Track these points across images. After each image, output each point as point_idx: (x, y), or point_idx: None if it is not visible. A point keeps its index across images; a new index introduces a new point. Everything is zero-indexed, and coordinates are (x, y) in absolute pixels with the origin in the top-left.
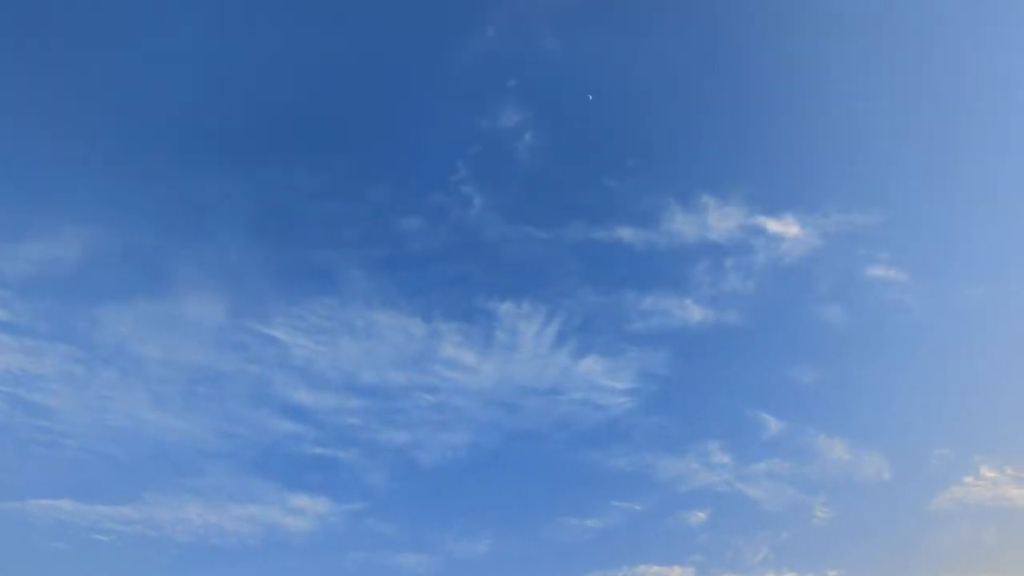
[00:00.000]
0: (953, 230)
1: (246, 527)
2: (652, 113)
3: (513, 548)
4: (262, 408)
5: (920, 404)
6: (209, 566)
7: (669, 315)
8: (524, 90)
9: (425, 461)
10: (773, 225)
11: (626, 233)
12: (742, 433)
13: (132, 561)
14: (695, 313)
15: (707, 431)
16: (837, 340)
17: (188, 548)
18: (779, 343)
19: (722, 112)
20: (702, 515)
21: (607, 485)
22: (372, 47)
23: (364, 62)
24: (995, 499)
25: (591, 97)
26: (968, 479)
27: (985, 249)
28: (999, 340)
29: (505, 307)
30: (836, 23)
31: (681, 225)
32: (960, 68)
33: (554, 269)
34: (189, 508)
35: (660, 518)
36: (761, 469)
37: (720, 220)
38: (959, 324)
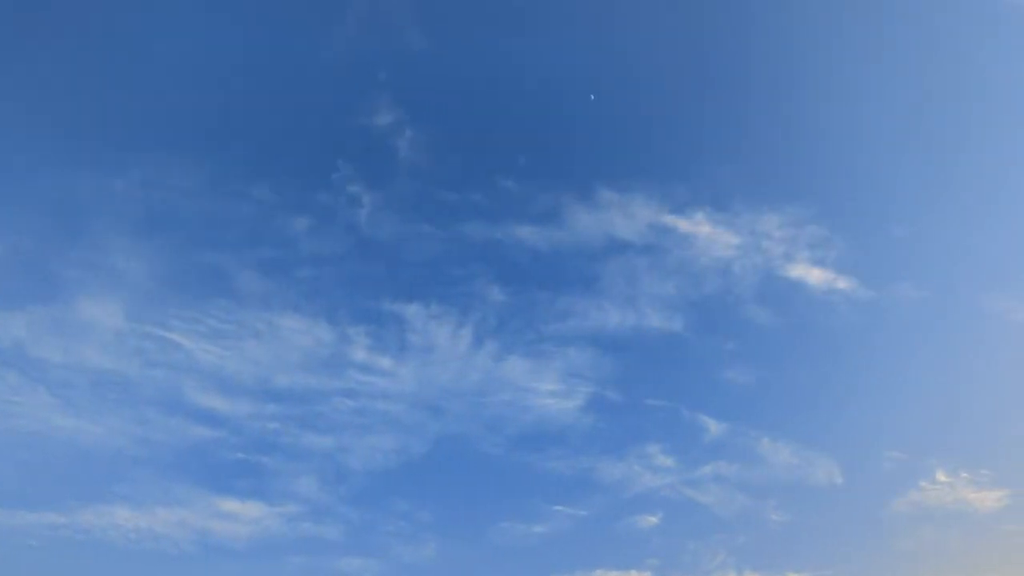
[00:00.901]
0: (886, 227)
1: (179, 532)
2: (541, 109)
3: (460, 553)
4: (175, 414)
5: (865, 408)
6: (147, 571)
7: (586, 316)
8: (396, 86)
9: (355, 465)
10: (684, 224)
11: (527, 232)
12: (682, 436)
13: (68, 567)
14: (613, 314)
15: (645, 433)
16: (768, 342)
17: (122, 553)
18: (708, 345)
19: (618, 108)
20: (654, 519)
21: (549, 489)
22: (238, 41)
23: (235, 57)
24: (953, 503)
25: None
26: (924, 483)
27: (923, 247)
28: (942, 342)
29: (412, 309)
30: (744, 11)
31: (586, 224)
32: (880, 60)
33: (456, 269)
34: (117, 513)
35: (610, 522)
36: (707, 472)
37: (626, 219)
38: (899, 325)
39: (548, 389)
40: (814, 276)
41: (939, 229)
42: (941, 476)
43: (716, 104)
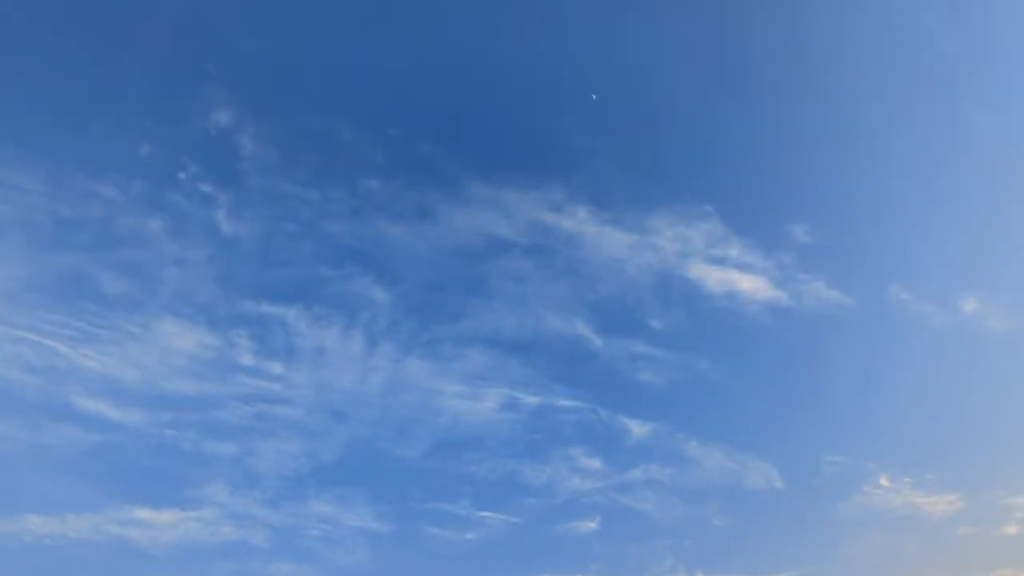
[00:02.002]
0: (788, 226)
1: (97, 537)
2: (397, 105)
3: (395, 558)
4: (65, 420)
5: (795, 412)
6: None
7: (479, 318)
8: (227, 82)
9: (264, 470)
10: (568, 223)
11: (399, 232)
12: (604, 438)
13: None
14: (508, 317)
15: (564, 436)
16: (676, 343)
17: (37, 558)
18: (614, 346)
19: (486, 102)
20: (592, 524)
21: (473, 494)
22: (70, 37)
23: (62, 52)
24: (903, 507)
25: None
26: (869, 487)
27: (830, 247)
28: (864, 344)
29: (294, 312)
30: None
31: (463, 222)
32: (773, 52)
33: (329, 270)
34: (27, 518)
35: (547, 528)
36: (639, 476)
37: (504, 217)
38: (815, 326)
39: (455, 391)
40: (714, 276)
41: (845, 228)
42: (884, 481)
43: (590, 99)
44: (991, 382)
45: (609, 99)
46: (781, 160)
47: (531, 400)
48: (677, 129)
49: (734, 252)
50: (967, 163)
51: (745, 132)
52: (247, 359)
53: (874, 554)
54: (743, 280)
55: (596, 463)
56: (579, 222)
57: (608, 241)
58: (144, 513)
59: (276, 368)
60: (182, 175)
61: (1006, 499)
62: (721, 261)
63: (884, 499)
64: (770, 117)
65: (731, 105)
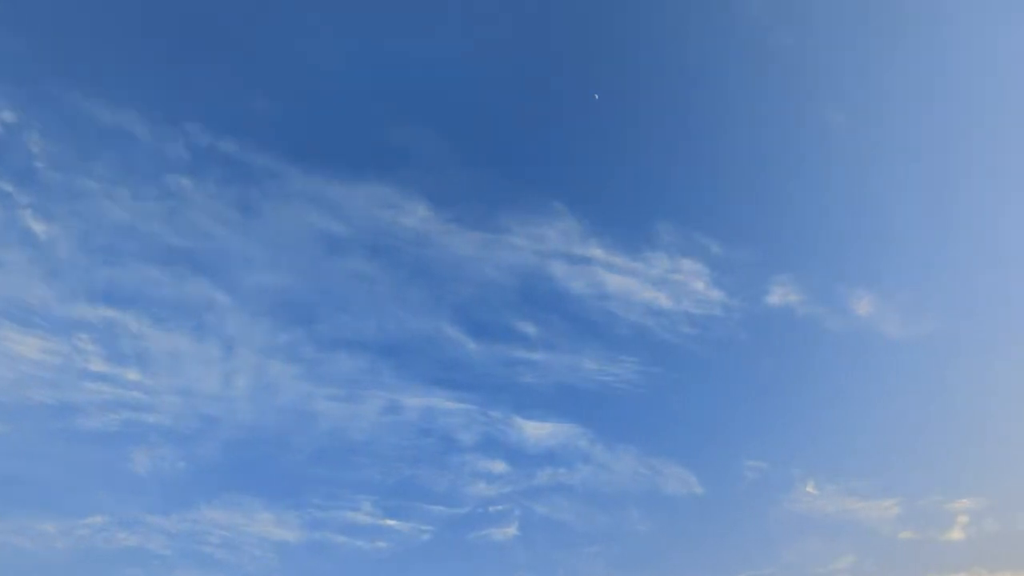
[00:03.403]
0: (650, 224)
1: None
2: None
3: (305, 567)
4: None
5: (708, 416)
6: None
7: (333, 320)
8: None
9: (142, 474)
10: (408, 220)
11: (223, 230)
12: (501, 442)
13: None
14: (366, 319)
15: (457, 441)
16: (551, 345)
17: None
18: (488, 348)
19: (289, 94)
20: (511, 530)
21: (373, 500)
22: None
23: None
24: (836, 513)
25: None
26: (797, 493)
27: (701, 245)
28: (757, 348)
29: (132, 315)
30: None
31: (290, 219)
32: (646, 57)
33: (157, 271)
34: None
35: (462, 535)
36: (546, 480)
37: (334, 213)
38: (705, 330)
39: (328, 395)
40: (583, 276)
41: (717, 227)
42: (811, 488)
43: (418, 94)
44: (894, 386)
45: (437, 94)
46: (641, 159)
47: (412, 403)
48: (517, 125)
49: (598, 252)
50: (825, 161)
51: (597, 129)
52: (97, 365)
53: (813, 559)
54: (614, 280)
55: (499, 467)
56: (420, 220)
57: (456, 240)
58: (24, 520)
59: (132, 375)
60: None
61: (945, 504)
62: (585, 261)
63: (818, 505)
64: (627, 114)
65: (577, 103)
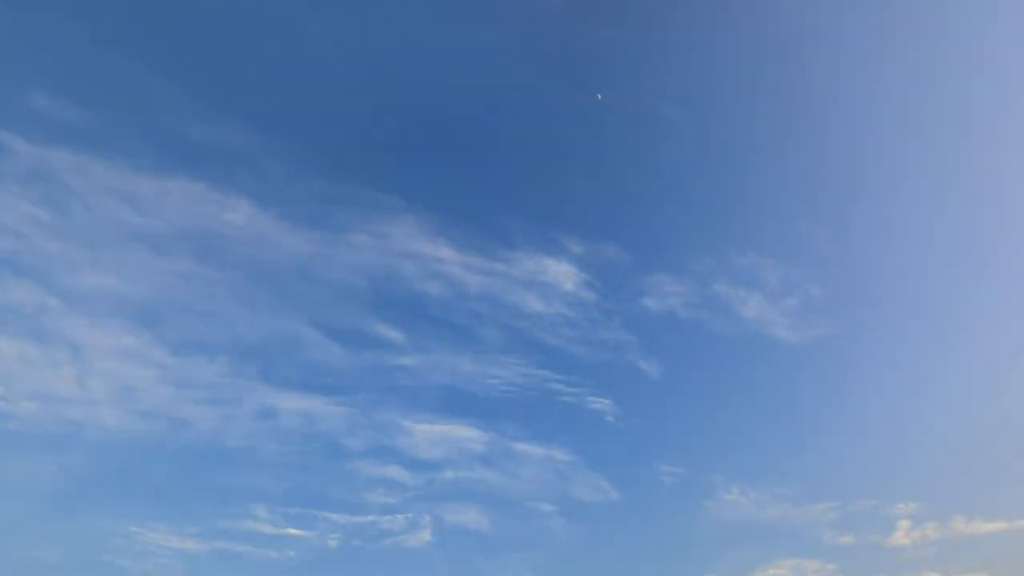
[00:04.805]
0: (500, 219)
1: None
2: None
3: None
4: None
5: (616, 420)
6: None
7: (176, 323)
8: None
9: (15, 486)
10: (230, 216)
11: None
12: (396, 447)
13: None
14: (214, 322)
15: (344, 446)
16: (428, 345)
17: None
18: (363, 353)
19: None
20: (425, 536)
21: (268, 508)
22: None
23: None
24: (769, 518)
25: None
26: (723, 497)
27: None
28: (654, 350)
29: None
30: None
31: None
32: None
33: None
34: None
35: (372, 543)
36: (447, 484)
37: (134, 206)
38: (586, 331)
39: (195, 398)
40: (436, 276)
41: (568, 223)
42: (735, 494)
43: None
44: (792, 389)
45: (248, 88)
46: (487, 156)
47: (287, 407)
48: (349, 120)
49: (449, 253)
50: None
51: (438, 126)
52: None
53: (750, 565)
54: (475, 281)
55: (396, 472)
56: (246, 217)
57: (291, 239)
58: None
59: None
60: None
61: (883, 508)
62: (438, 261)
63: (749, 511)
64: (466, 111)
65: (419, 100)
